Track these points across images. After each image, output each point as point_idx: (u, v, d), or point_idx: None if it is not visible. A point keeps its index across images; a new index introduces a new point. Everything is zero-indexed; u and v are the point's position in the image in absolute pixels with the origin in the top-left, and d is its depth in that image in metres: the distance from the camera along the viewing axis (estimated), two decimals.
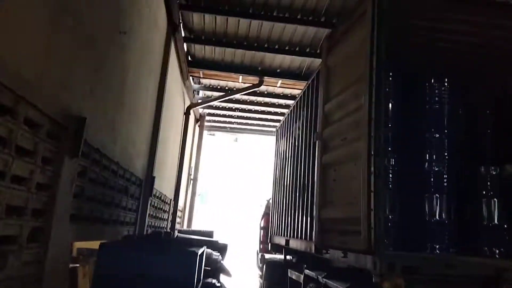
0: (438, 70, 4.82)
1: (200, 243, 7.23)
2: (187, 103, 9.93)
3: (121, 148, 4.70)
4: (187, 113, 9.71)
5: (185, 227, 12.18)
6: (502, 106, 4.56)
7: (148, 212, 6.29)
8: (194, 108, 10.75)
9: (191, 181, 13.08)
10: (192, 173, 13.11)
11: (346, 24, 3.98)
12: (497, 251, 3.92)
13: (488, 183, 4.08)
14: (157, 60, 6.42)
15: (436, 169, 4.09)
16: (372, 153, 3.14)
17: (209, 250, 6.87)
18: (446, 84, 4.24)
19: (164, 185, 7.94)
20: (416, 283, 2.99)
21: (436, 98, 4.23)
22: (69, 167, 3.08)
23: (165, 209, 8.59)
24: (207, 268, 6.01)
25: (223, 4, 6.59)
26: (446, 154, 4.11)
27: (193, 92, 10.15)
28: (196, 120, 12.69)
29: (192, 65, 8.66)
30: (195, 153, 13.16)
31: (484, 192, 4.08)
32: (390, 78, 4.08)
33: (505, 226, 3.99)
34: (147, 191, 6.19)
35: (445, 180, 4.06)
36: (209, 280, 6.29)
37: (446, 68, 4.85)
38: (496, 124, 4.55)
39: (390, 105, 4.06)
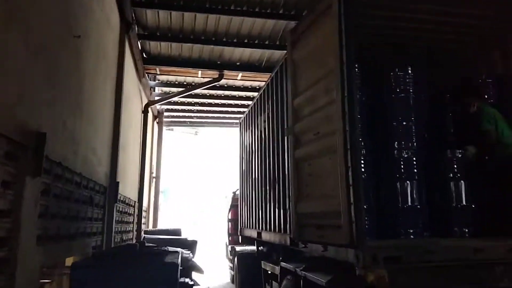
0: (401, 59, 4.92)
1: (172, 245, 7.13)
2: (145, 101, 9.60)
3: (82, 158, 4.44)
4: (145, 112, 9.41)
5: (150, 227, 11.89)
6: (459, 90, 4.73)
7: (114, 218, 6.05)
8: (152, 106, 10.43)
9: (154, 180, 12.75)
10: (154, 171, 12.78)
11: (310, 17, 3.93)
12: (467, 230, 4.10)
13: (455, 166, 4.23)
14: (112, 61, 6.12)
15: (405, 155, 4.19)
16: (349, 147, 3.13)
17: (180, 250, 6.76)
18: (410, 72, 4.33)
19: (127, 188, 7.67)
20: (398, 272, 3.04)
21: (401, 87, 4.31)
22: (32, 188, 2.84)
23: (130, 212, 8.32)
24: (180, 267, 5.92)
25: None
26: (414, 140, 4.21)
27: (150, 89, 9.83)
28: (154, 117, 12.34)
29: (148, 62, 8.35)
30: (156, 150, 12.83)
31: (451, 175, 4.23)
32: (357, 70, 4.11)
33: (473, 206, 4.17)
34: (112, 198, 5.94)
35: (414, 166, 4.17)
36: (182, 279, 6.18)
37: (409, 56, 4.97)
38: (456, 108, 4.72)
39: (358, 96, 4.09)
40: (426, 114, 4.50)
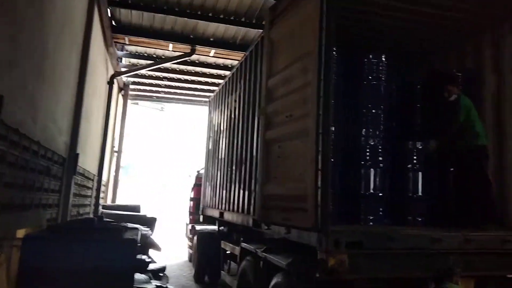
0: (375, 46, 4.94)
1: (131, 221, 6.99)
2: (111, 71, 9.21)
3: (41, 126, 4.19)
4: (110, 82, 9.03)
5: (109, 202, 11.61)
6: (429, 80, 4.82)
7: (72, 191, 5.82)
8: (118, 77, 10.04)
9: (115, 154, 12.39)
10: (116, 145, 12.42)
11: None
12: (420, 220, 4.24)
13: (414, 157, 4.34)
14: (79, 26, 5.77)
15: (372, 143, 4.23)
16: (320, 131, 3.11)
17: (138, 226, 6.63)
18: (383, 60, 4.34)
19: (87, 160, 7.38)
20: (359, 257, 3.09)
21: (374, 74, 4.32)
22: None
23: (89, 185, 8.04)
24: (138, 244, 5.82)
25: None
26: (381, 129, 4.26)
27: (117, 60, 9.43)
28: (120, 89, 11.91)
29: (117, 30, 7.96)
30: (119, 124, 12.43)
31: (410, 166, 4.33)
32: (335, 54, 4.07)
33: (427, 197, 4.31)
34: (70, 170, 5.69)
35: (379, 155, 4.23)
36: (139, 256, 6.10)
37: (382, 44, 4.99)
38: (424, 98, 4.81)
39: (333, 80, 4.06)
40: (395, 103, 4.56)
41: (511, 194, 3.93)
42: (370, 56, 4.30)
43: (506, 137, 4.10)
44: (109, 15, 7.37)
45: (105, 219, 5.42)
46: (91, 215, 7.96)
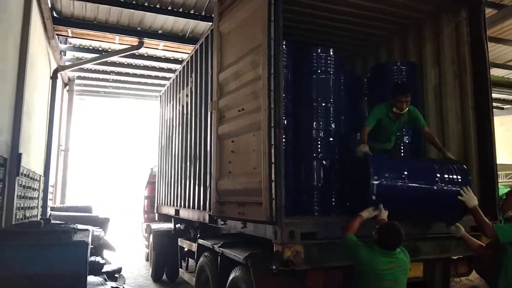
0: (324, 40, 5.03)
1: (82, 222, 6.71)
2: (54, 65, 8.71)
3: None
4: (54, 77, 8.54)
5: (58, 204, 11.07)
6: (374, 74, 4.97)
7: (16, 193, 5.48)
8: (62, 72, 9.53)
9: (62, 153, 11.81)
10: (63, 143, 11.83)
11: None
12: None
13: None
14: (15, 16, 5.39)
15: (322, 136, 4.31)
16: (273, 125, 3.13)
17: (90, 227, 6.42)
18: (331, 55, 4.41)
19: (32, 160, 6.97)
20: (313, 248, 3.16)
21: (323, 68, 4.38)
22: None
23: (35, 187, 7.61)
24: (90, 246, 5.64)
25: None
26: (331, 121, 4.34)
27: (61, 53, 8.94)
28: (65, 84, 11.33)
29: (59, 22, 7.51)
30: (66, 121, 11.84)
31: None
32: (284, 47, 4.09)
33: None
34: (13, 171, 5.34)
35: (330, 146, 4.31)
36: (92, 258, 5.92)
37: (331, 38, 5.09)
38: (370, 92, 4.96)
39: (284, 74, 4.09)
40: (344, 97, 4.66)
41: (474, 177, 4.11)
42: (319, 50, 4.36)
43: (469, 123, 4.23)
44: (49, 5, 6.95)
45: (53, 221, 5.16)
46: (38, 218, 7.56)
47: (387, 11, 4.47)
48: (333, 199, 4.24)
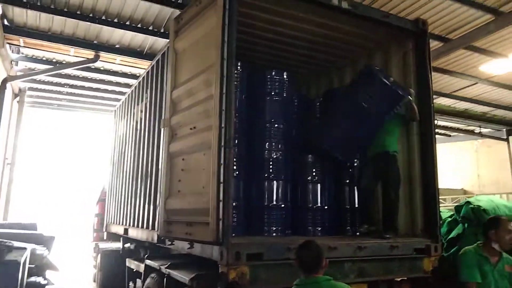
0: (279, 63, 5.14)
1: (25, 240, 6.32)
2: (3, 75, 8.34)
3: None
4: (2, 87, 8.18)
5: (0, 220, 10.40)
6: (326, 98, 5.12)
7: None
8: (13, 82, 9.12)
9: (8, 166, 11.17)
10: (10, 156, 11.21)
11: (195, 7, 3.83)
12: (319, 229, 4.46)
13: (314, 169, 4.55)
14: None
15: (274, 156, 4.36)
16: (223, 144, 3.12)
17: (32, 245, 6.07)
18: (285, 77, 4.52)
19: None
20: (259, 269, 3.13)
21: (276, 90, 4.48)
22: None
23: None
24: (31, 265, 5.31)
25: None
26: (283, 142, 4.41)
27: (11, 63, 8.56)
28: (15, 95, 10.82)
29: (10, 31, 7.21)
30: (14, 133, 11.25)
31: (309, 178, 4.54)
32: (239, 68, 4.15)
33: (325, 207, 4.55)
34: None
35: (282, 167, 4.36)
36: (33, 279, 5.62)
37: (285, 61, 5.21)
38: (323, 114, 5.08)
39: (238, 94, 4.14)
40: (297, 118, 4.76)
41: (417, 201, 4.26)
42: (273, 73, 4.45)
43: (414, 149, 4.39)
44: (0, 12, 6.68)
45: None
46: None
47: (339, 38, 4.64)
48: (283, 219, 4.25)
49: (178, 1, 6.37)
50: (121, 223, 6.59)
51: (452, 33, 7.26)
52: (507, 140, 13.94)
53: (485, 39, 7.31)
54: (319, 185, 4.53)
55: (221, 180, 3.10)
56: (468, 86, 10.04)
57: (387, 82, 4.21)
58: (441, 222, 4.33)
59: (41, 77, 9.44)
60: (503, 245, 3.29)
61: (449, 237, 4.88)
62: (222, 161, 3.11)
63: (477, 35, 6.95)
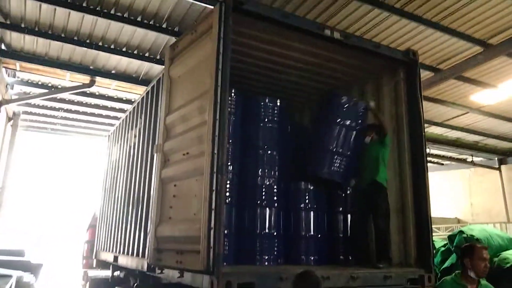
0: (274, 90, 5.20)
1: (12, 267, 6.18)
2: None
3: None
4: None
5: None
6: (317, 124, 5.14)
7: None
8: (7, 105, 9.11)
9: None
10: (1, 180, 11.06)
11: (190, 35, 3.90)
12: (312, 258, 4.39)
13: (306, 197, 4.53)
14: None
15: (267, 183, 4.35)
16: (215, 170, 3.11)
17: (19, 273, 5.92)
18: (278, 105, 4.57)
19: None
20: None
21: (270, 117, 4.52)
22: None
23: None
24: None
25: None
26: (276, 169, 4.40)
27: (7, 86, 8.58)
28: (9, 119, 10.78)
29: (7, 55, 7.26)
30: (6, 157, 11.14)
31: (302, 206, 4.51)
32: (234, 95, 4.19)
33: (319, 236, 4.49)
34: None
35: (274, 194, 4.34)
36: None
37: (279, 88, 5.28)
38: (312, 141, 5.09)
39: (233, 121, 4.17)
40: (290, 145, 4.77)
41: (410, 230, 4.22)
42: (266, 100, 4.50)
43: (406, 178, 4.38)
44: None
45: None
46: None
47: (331, 67, 4.72)
48: (275, 248, 4.19)
49: (174, 29, 6.48)
50: (111, 250, 6.45)
51: (443, 64, 7.41)
52: (499, 169, 14.03)
53: (475, 69, 7.47)
54: (312, 212, 4.50)
55: (213, 206, 3.07)
56: (460, 115, 10.18)
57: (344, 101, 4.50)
58: (434, 251, 4.29)
59: (36, 101, 9.44)
60: (478, 273, 3.22)
61: (443, 267, 4.83)
62: (214, 187, 3.10)
63: (467, 65, 7.09)
